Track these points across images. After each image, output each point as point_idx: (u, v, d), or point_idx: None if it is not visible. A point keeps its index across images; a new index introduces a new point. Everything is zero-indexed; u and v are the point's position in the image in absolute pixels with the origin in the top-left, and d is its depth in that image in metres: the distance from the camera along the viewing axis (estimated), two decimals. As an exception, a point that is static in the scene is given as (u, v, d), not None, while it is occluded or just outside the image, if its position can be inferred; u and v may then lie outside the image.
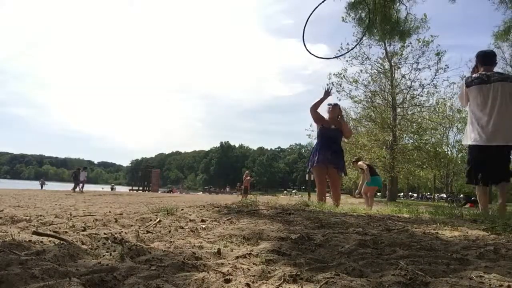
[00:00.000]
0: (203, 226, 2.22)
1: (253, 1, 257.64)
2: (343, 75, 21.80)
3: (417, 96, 21.91)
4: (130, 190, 39.15)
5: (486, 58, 3.69)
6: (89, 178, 22.68)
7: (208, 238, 1.88)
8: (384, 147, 21.29)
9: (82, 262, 1.26)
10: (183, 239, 1.83)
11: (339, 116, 5.09)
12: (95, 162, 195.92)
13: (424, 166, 23.01)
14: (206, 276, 1.09)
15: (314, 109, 4.91)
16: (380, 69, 22.27)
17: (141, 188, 40.27)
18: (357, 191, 9.34)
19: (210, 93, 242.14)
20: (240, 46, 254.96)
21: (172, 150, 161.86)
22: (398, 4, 8.98)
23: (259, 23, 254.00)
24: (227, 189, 70.10)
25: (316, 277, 1.07)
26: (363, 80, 22.13)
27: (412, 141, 23.06)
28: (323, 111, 5.07)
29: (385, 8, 8.44)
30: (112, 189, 38.59)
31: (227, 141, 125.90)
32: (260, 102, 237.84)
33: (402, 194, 46.41)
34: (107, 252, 1.43)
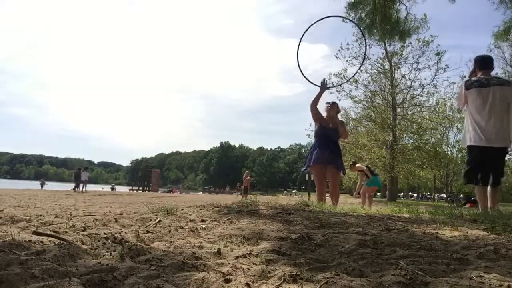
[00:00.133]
0: (203, 226, 2.22)
1: (253, 1, 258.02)
2: (343, 75, 21.78)
3: (417, 96, 21.92)
4: (130, 190, 39.14)
5: (484, 63, 3.81)
6: (89, 178, 22.74)
7: (208, 238, 1.88)
8: (384, 147, 21.28)
9: (82, 262, 1.26)
10: (183, 239, 1.83)
11: (337, 113, 5.12)
12: (95, 162, 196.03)
13: (424, 166, 23.01)
14: (206, 276, 1.09)
15: (314, 105, 4.93)
16: (380, 69, 22.28)
17: (141, 188, 40.26)
18: (355, 193, 9.34)
19: (210, 93, 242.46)
20: (240, 46, 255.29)
21: (172, 150, 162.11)
22: (398, 4, 8.97)
23: (259, 23, 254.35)
24: (227, 189, 70.11)
25: (316, 277, 1.07)
26: (363, 80, 22.15)
27: (412, 141, 23.07)
28: (322, 110, 5.08)
29: (385, 8, 8.43)
30: (112, 189, 38.59)
31: (227, 141, 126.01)
32: (260, 102, 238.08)
33: (402, 194, 46.40)
34: (107, 252, 1.43)
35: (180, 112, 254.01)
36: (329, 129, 4.91)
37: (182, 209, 3.10)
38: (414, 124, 22.11)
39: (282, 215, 2.67)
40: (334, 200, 4.76)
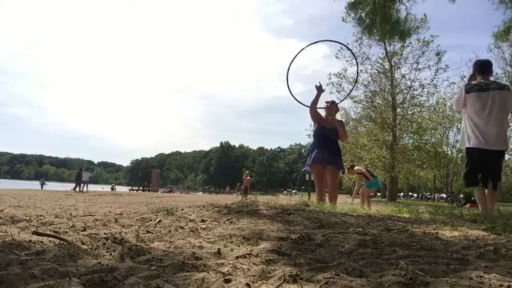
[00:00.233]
0: (203, 226, 2.22)
1: (253, 1, 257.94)
2: (343, 75, 21.81)
3: (417, 96, 21.94)
4: (130, 190, 39.16)
5: (483, 67, 3.91)
6: (90, 178, 22.80)
7: (208, 238, 1.88)
8: (384, 147, 21.29)
9: (82, 262, 1.26)
10: (183, 239, 1.83)
11: (336, 112, 5.12)
12: (95, 162, 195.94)
13: (424, 166, 23.02)
14: (206, 276, 1.09)
15: (313, 107, 4.93)
16: (380, 69, 22.30)
17: (141, 188, 40.27)
18: (353, 196, 9.33)
19: (210, 93, 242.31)
20: (240, 46, 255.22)
21: (172, 150, 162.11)
22: (398, 4, 8.97)
23: (259, 23, 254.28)
24: (227, 189, 70.11)
25: (316, 277, 1.07)
26: (363, 80, 22.16)
27: (412, 141, 23.08)
28: (321, 110, 5.08)
29: (385, 8, 8.43)
30: (112, 189, 38.61)
31: (227, 141, 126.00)
32: (260, 102, 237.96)
33: (402, 194, 46.40)
34: (107, 252, 1.43)
35: (180, 112, 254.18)
36: (328, 129, 4.90)
37: (182, 209, 3.10)
38: (414, 124, 22.12)
39: (282, 215, 2.67)
40: (333, 200, 4.74)
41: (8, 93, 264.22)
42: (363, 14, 8.88)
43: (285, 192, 59.35)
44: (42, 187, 28.51)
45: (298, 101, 5.04)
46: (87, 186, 20.77)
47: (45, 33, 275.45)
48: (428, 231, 2.07)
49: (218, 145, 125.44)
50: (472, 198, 17.63)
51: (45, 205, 6.02)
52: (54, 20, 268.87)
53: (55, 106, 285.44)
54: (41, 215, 2.94)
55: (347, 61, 21.58)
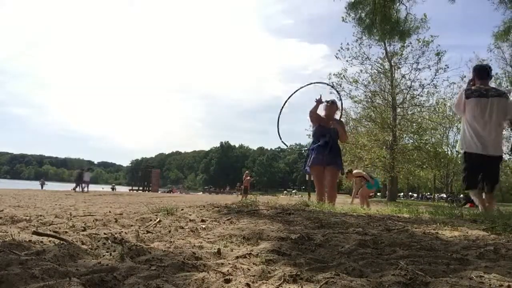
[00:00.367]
0: (203, 226, 2.22)
1: (253, 1, 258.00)
2: (343, 75, 21.81)
3: (417, 96, 21.93)
4: (130, 190, 39.16)
5: (482, 72, 4.01)
6: (90, 178, 22.82)
7: (208, 238, 1.88)
8: (384, 147, 21.27)
9: (82, 262, 1.26)
10: (183, 239, 1.83)
11: (336, 112, 5.12)
12: (95, 162, 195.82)
13: (424, 166, 22.99)
14: (206, 276, 1.09)
15: (312, 114, 4.93)
16: (380, 69, 22.28)
17: (141, 188, 40.28)
18: (352, 198, 9.34)
19: (210, 93, 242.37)
20: (240, 46, 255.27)
21: (172, 150, 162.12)
22: (398, 4, 8.96)
23: (259, 23, 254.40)
24: (227, 189, 70.10)
25: (316, 277, 1.07)
26: (363, 80, 22.15)
27: (412, 141, 23.06)
28: (320, 109, 5.07)
29: (385, 8, 8.43)
30: (113, 189, 38.61)
31: (227, 141, 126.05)
32: (260, 102, 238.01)
33: (402, 194, 46.38)
34: (107, 252, 1.43)
35: (180, 112, 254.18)
36: (328, 129, 4.88)
37: (182, 209, 3.10)
38: (414, 124, 22.11)
39: (282, 215, 2.67)
40: (331, 200, 4.71)
41: (8, 93, 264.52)
42: (363, 14, 8.87)
43: (285, 192, 59.36)
44: (42, 187, 28.53)
45: (284, 143, 5.28)
46: (87, 186, 20.78)
47: (45, 33, 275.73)
48: (428, 231, 2.07)
49: (218, 145, 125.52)
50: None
51: (45, 205, 6.02)
52: (54, 20, 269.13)
53: (55, 106, 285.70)
54: (41, 215, 2.94)
55: (347, 61, 21.62)
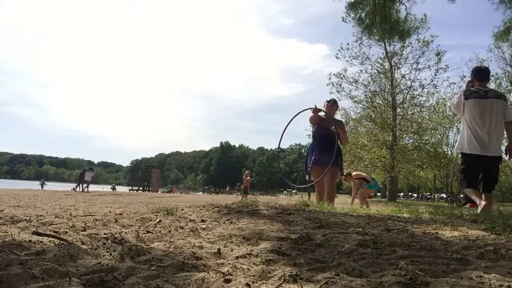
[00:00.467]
0: (203, 226, 2.22)
1: (253, 1, 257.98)
2: (343, 75, 21.84)
3: (417, 96, 21.95)
4: (130, 190, 39.17)
5: (481, 74, 4.08)
6: (91, 178, 22.82)
7: (208, 238, 1.87)
8: (384, 147, 21.28)
9: (82, 262, 1.26)
10: (183, 239, 1.83)
11: (336, 111, 5.11)
12: (95, 162, 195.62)
13: (424, 166, 23.00)
14: (206, 276, 1.09)
15: (312, 119, 4.93)
16: (380, 69, 22.30)
17: (141, 188, 40.29)
18: (352, 199, 9.35)
19: (210, 93, 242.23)
20: (240, 46, 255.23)
21: (172, 150, 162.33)
22: (398, 4, 8.97)
23: (259, 23, 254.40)
24: (227, 189, 70.08)
25: (316, 277, 1.07)
26: (363, 80, 22.18)
27: (412, 141, 23.09)
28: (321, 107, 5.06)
29: (385, 8, 8.43)
30: (113, 189, 38.61)
31: (227, 141, 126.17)
32: (260, 102, 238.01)
33: (402, 194, 46.38)
34: (107, 252, 1.43)
35: (180, 112, 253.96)
36: (328, 130, 4.84)
37: (182, 209, 3.10)
38: (414, 124, 22.12)
39: (282, 215, 2.67)
40: (330, 200, 4.69)
41: (8, 93, 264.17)
42: (363, 14, 8.88)
43: (285, 192, 59.34)
44: (42, 187, 28.52)
45: (287, 181, 5.24)
46: (88, 186, 20.80)
47: (45, 33, 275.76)
48: (428, 231, 2.07)
49: (218, 145, 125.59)
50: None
51: (45, 205, 6.02)
52: (54, 20, 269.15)
53: (55, 106, 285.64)
54: (41, 215, 2.94)
55: (347, 61, 21.63)
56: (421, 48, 20.69)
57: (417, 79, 21.50)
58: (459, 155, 4.33)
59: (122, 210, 3.89)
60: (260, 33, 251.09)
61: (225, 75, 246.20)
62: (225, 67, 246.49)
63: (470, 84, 4.09)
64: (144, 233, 1.98)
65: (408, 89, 21.88)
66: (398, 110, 21.93)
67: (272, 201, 4.07)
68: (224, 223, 2.38)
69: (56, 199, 9.02)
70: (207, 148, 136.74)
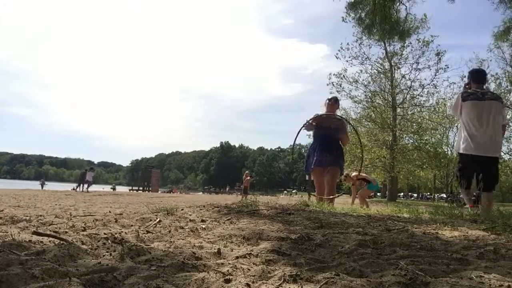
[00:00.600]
0: (203, 226, 2.22)
1: (253, 1, 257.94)
2: (343, 75, 21.86)
3: (417, 96, 21.98)
4: (130, 190, 39.17)
5: (478, 76, 4.16)
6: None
7: (208, 238, 1.87)
8: (384, 147, 21.29)
9: (82, 262, 1.26)
10: (183, 239, 1.83)
11: (336, 109, 5.11)
12: (95, 162, 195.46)
13: (424, 166, 23.02)
14: (206, 276, 1.09)
15: (309, 127, 4.87)
16: (380, 69, 22.33)
17: (141, 188, 40.29)
18: (352, 199, 9.35)
19: (210, 93, 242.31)
20: (240, 46, 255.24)
21: (172, 150, 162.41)
22: (398, 4, 8.96)
23: (259, 23, 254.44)
24: (227, 189, 70.09)
25: (316, 277, 1.07)
26: (363, 80, 22.21)
27: (412, 141, 23.11)
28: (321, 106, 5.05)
29: (385, 8, 8.43)
30: (113, 189, 38.61)
31: (227, 141, 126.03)
32: (260, 102, 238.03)
33: (402, 194, 46.37)
34: (107, 252, 1.43)
35: (180, 112, 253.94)
36: (328, 130, 4.78)
37: (182, 209, 3.10)
38: (414, 124, 22.14)
39: (282, 215, 2.67)
40: (330, 200, 4.66)
41: (8, 93, 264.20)
42: (363, 14, 8.88)
43: (285, 192, 59.32)
44: (42, 187, 28.52)
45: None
46: (89, 186, 20.80)
47: (45, 32, 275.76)
48: (428, 231, 2.07)
49: (218, 145, 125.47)
50: (472, 198, 17.60)
51: (45, 205, 6.02)
52: (54, 20, 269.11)
53: (55, 106, 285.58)
54: (41, 215, 2.94)
55: (347, 61, 21.64)
56: (421, 48, 20.76)
57: (417, 79, 21.56)
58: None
59: (122, 210, 3.89)
60: (260, 33, 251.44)
61: (225, 75, 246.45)
62: (225, 67, 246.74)
63: (467, 86, 4.14)
64: (144, 233, 1.98)
65: (408, 89, 21.91)
66: (398, 110, 21.94)
67: (272, 201, 4.07)
68: (224, 223, 2.38)
69: (56, 199, 9.02)
70: (207, 148, 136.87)
